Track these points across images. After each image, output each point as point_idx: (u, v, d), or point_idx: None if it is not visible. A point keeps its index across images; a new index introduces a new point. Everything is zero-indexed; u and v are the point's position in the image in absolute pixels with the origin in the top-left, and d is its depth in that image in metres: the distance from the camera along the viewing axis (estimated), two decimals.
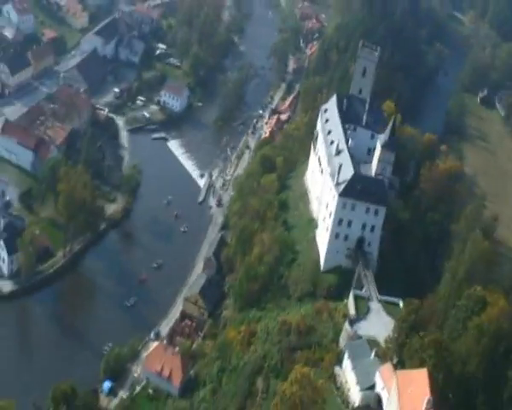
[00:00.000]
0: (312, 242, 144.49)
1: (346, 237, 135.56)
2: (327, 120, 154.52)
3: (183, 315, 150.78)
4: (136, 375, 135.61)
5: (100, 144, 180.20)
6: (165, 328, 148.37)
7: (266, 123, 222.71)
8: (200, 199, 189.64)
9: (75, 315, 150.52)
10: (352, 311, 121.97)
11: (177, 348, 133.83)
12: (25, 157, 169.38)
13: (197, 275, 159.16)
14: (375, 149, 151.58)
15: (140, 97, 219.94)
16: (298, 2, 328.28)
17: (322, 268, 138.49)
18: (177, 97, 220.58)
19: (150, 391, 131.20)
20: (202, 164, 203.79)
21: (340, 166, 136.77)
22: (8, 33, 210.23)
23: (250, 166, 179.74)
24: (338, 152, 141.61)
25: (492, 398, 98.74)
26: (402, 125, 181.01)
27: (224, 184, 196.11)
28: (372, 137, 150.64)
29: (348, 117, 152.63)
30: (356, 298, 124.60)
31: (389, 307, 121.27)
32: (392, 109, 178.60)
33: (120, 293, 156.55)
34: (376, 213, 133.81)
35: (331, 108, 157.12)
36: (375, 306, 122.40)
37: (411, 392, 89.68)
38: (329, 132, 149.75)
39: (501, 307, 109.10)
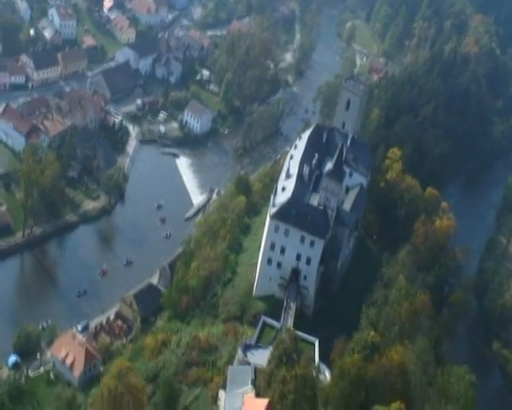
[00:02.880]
0: (254, 266, 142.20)
1: (280, 265, 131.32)
2: (295, 147, 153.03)
3: (118, 315, 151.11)
4: (47, 358, 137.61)
5: (93, 144, 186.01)
6: (96, 322, 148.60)
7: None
8: (188, 215, 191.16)
9: (16, 292, 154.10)
10: (253, 337, 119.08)
11: (84, 339, 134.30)
12: (18, 142, 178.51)
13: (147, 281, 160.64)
14: (352, 187, 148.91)
15: (163, 113, 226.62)
16: (373, 55, 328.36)
17: (254, 294, 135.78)
18: (198, 119, 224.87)
19: (51, 376, 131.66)
20: (205, 184, 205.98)
21: (282, 189, 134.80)
22: (48, 34, 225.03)
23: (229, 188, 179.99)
24: (288, 176, 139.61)
25: None
26: (403, 175, 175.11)
27: None
28: (350, 175, 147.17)
29: (327, 150, 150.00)
30: (264, 326, 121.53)
31: (301, 344, 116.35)
32: (396, 156, 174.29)
33: (74, 281, 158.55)
34: (312, 244, 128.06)
35: (304, 136, 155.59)
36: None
37: None
38: (292, 157, 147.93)
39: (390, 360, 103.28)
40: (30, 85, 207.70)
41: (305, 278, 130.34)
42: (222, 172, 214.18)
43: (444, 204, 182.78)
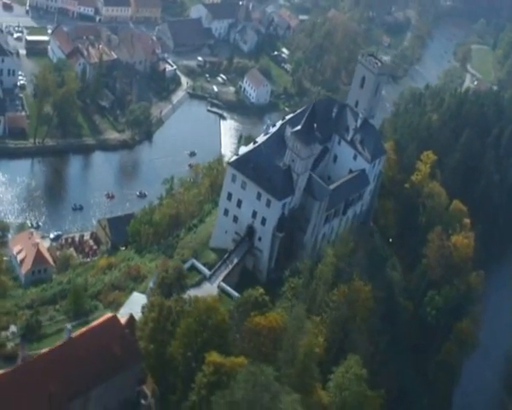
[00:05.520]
0: None
1: (236, 219, 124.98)
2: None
3: (92, 236, 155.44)
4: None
5: (131, 80, 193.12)
6: (70, 236, 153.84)
7: None
8: None
9: (15, 190, 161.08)
10: None
11: (38, 240, 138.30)
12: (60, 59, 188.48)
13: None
14: (360, 171, 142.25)
15: (222, 76, 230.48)
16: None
17: (210, 244, 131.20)
18: (255, 88, 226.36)
19: (3, 266, 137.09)
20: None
21: (254, 142, 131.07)
22: None
23: None
24: (266, 134, 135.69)
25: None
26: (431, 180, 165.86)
27: None
28: (355, 157, 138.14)
29: (337, 127, 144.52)
30: (192, 269, 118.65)
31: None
32: (429, 160, 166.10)
33: (76, 196, 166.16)
34: (268, 204, 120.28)
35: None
36: (206, 286, 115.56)
37: None
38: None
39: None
40: (98, 19, 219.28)
41: (259, 239, 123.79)
42: None
43: (466, 220, 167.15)
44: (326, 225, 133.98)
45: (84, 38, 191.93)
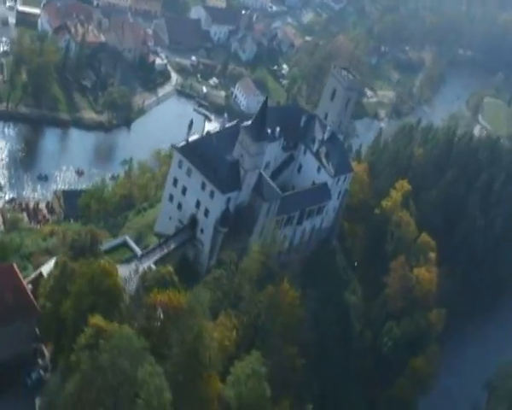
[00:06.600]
0: None
1: (180, 207, 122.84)
2: None
3: (47, 205, 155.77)
4: None
5: (115, 65, 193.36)
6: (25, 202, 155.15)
7: None
8: None
9: None
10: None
11: None
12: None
13: None
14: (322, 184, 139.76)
15: (215, 79, 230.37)
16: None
17: (154, 229, 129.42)
18: (245, 96, 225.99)
19: None
20: None
21: (206, 133, 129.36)
22: None
23: None
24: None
25: None
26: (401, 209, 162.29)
27: None
28: (318, 170, 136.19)
29: (304, 136, 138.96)
30: (123, 246, 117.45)
31: None
32: (402, 189, 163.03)
33: (43, 167, 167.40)
34: (212, 195, 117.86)
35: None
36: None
37: None
38: None
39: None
40: (96, 3, 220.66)
41: (201, 231, 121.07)
42: None
43: (432, 254, 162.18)
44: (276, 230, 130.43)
45: (74, 15, 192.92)
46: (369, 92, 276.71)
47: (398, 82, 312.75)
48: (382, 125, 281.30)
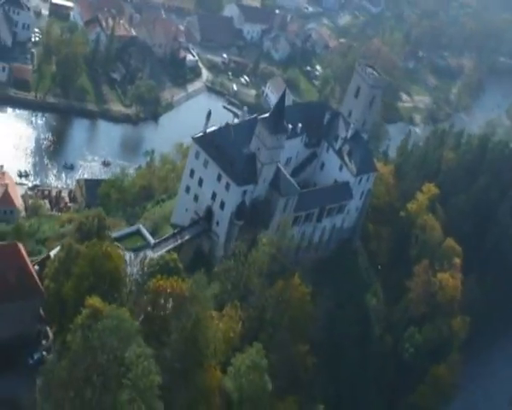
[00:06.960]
0: None
1: (197, 198, 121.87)
2: None
3: (70, 194, 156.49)
4: None
5: (144, 59, 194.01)
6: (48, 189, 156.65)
7: None
8: None
9: (9, 138, 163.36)
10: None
11: (7, 181, 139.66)
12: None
13: None
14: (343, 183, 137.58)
15: (246, 77, 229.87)
16: None
17: (171, 220, 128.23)
18: (276, 95, 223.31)
19: None
20: None
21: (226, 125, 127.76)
22: None
23: None
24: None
25: None
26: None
27: None
28: (340, 168, 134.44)
29: (327, 134, 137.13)
30: (136, 234, 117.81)
31: None
32: (429, 192, 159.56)
33: (70, 156, 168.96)
34: (228, 187, 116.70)
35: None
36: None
37: None
38: None
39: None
40: None
41: (217, 223, 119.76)
42: None
43: (457, 260, 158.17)
44: (294, 227, 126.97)
45: (106, 9, 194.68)
46: (404, 96, 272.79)
47: (436, 88, 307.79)
48: (417, 130, 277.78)
